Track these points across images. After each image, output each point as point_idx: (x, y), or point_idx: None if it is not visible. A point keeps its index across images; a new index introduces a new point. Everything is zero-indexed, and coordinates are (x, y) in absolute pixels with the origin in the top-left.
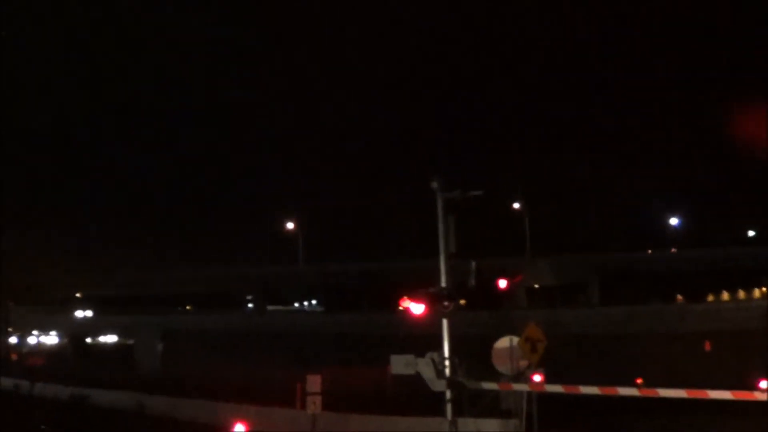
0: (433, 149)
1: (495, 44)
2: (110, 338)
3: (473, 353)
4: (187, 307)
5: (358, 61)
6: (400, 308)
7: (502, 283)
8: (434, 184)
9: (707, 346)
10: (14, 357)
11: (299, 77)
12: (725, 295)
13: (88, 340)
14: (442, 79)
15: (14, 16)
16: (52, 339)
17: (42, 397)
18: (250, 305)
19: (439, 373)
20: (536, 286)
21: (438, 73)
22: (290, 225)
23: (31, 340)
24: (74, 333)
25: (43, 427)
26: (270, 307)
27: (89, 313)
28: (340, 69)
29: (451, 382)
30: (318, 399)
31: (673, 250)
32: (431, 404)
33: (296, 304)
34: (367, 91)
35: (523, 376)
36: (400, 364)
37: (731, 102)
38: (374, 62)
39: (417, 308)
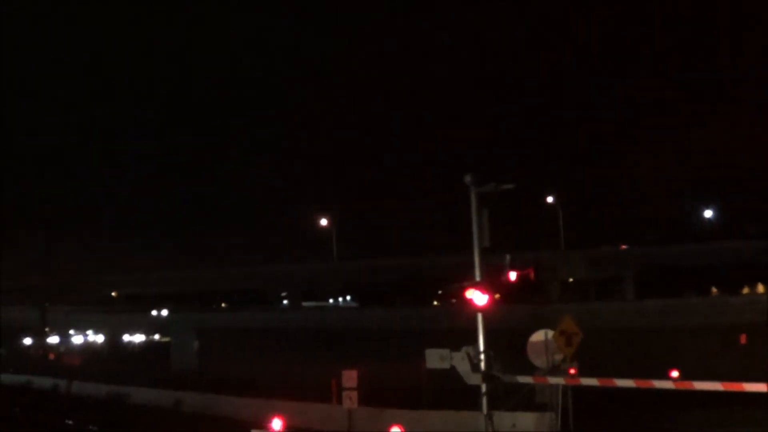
0: (466, 144)
1: (529, 39)
2: (142, 337)
3: (508, 347)
4: (222, 305)
5: (391, 56)
6: (435, 303)
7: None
8: (467, 179)
9: (743, 339)
10: (52, 357)
11: (332, 75)
12: (760, 288)
13: (126, 339)
14: (476, 73)
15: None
16: (99, 338)
17: (80, 395)
18: (285, 302)
19: (474, 366)
20: (570, 279)
21: (472, 68)
22: (324, 221)
23: (77, 339)
24: (112, 332)
25: (70, 422)
26: (304, 304)
27: (165, 312)
28: (375, 65)
29: (486, 376)
30: (354, 394)
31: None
32: (466, 399)
33: (331, 300)
34: (401, 86)
35: (558, 370)
36: (434, 358)
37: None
38: (408, 57)
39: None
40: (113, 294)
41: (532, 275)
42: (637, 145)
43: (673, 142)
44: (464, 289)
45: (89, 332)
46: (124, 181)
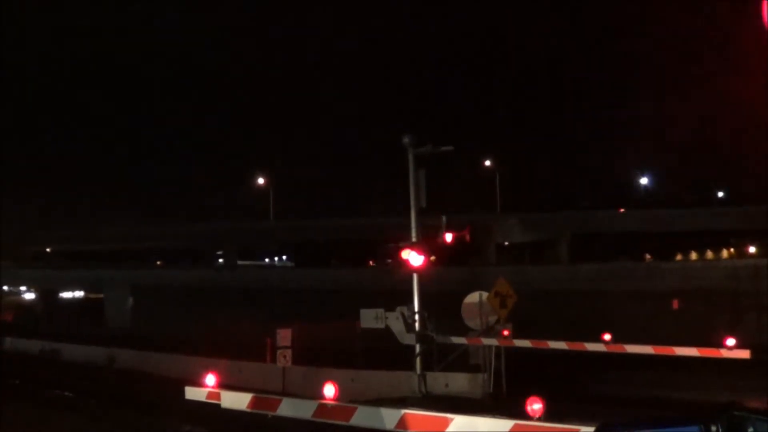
0: (405, 106)
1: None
2: (81, 293)
3: (443, 308)
4: (157, 263)
5: (328, 17)
6: (371, 263)
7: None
8: (405, 140)
9: (675, 305)
10: None
11: (276, 34)
12: (693, 255)
13: (63, 295)
14: (418, 36)
15: None
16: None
17: (13, 352)
18: (220, 261)
19: (409, 327)
20: (506, 243)
21: (413, 31)
22: (261, 180)
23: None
24: (46, 288)
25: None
26: (240, 263)
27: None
28: (311, 26)
29: (420, 336)
30: (288, 353)
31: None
32: (402, 359)
33: (267, 260)
34: (341, 48)
35: (492, 331)
36: (369, 318)
37: (702, 64)
38: (348, 21)
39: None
40: (48, 250)
41: (468, 237)
42: (575, 112)
43: (612, 109)
44: (400, 249)
45: (22, 288)
46: (58, 138)
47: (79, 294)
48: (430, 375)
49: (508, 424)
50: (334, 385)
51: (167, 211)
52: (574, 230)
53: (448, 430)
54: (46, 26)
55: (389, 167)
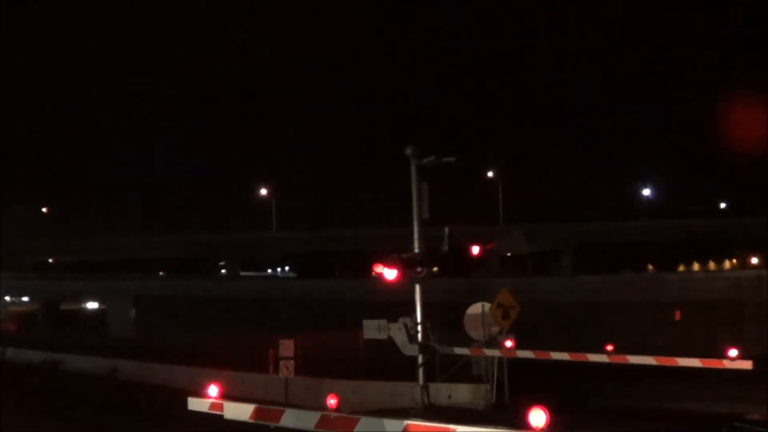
0: (408, 117)
1: (474, 12)
2: (83, 304)
3: (446, 319)
4: (160, 273)
5: (332, 25)
6: (374, 274)
7: (475, 249)
8: (408, 151)
9: (677, 316)
10: None
11: (274, 43)
12: (696, 266)
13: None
14: (419, 45)
15: None
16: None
17: (15, 362)
18: (223, 271)
19: (412, 338)
20: (509, 254)
21: (415, 40)
22: (264, 191)
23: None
24: (48, 299)
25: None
26: (243, 273)
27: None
28: (317, 36)
29: (423, 347)
30: (291, 363)
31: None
32: (405, 370)
33: (269, 271)
34: (342, 58)
35: (494, 342)
36: (372, 329)
37: (705, 78)
38: (348, 28)
39: (390, 273)
40: (50, 261)
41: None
42: (578, 124)
43: (615, 120)
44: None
45: (25, 299)
46: (61, 149)
47: (93, 305)
48: (432, 386)
49: None
50: (335, 398)
51: (169, 222)
52: (577, 241)
53: None
54: (49, 34)
55: (392, 178)
